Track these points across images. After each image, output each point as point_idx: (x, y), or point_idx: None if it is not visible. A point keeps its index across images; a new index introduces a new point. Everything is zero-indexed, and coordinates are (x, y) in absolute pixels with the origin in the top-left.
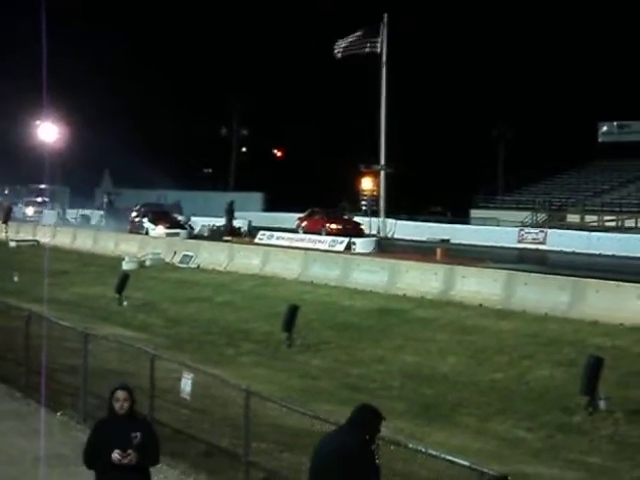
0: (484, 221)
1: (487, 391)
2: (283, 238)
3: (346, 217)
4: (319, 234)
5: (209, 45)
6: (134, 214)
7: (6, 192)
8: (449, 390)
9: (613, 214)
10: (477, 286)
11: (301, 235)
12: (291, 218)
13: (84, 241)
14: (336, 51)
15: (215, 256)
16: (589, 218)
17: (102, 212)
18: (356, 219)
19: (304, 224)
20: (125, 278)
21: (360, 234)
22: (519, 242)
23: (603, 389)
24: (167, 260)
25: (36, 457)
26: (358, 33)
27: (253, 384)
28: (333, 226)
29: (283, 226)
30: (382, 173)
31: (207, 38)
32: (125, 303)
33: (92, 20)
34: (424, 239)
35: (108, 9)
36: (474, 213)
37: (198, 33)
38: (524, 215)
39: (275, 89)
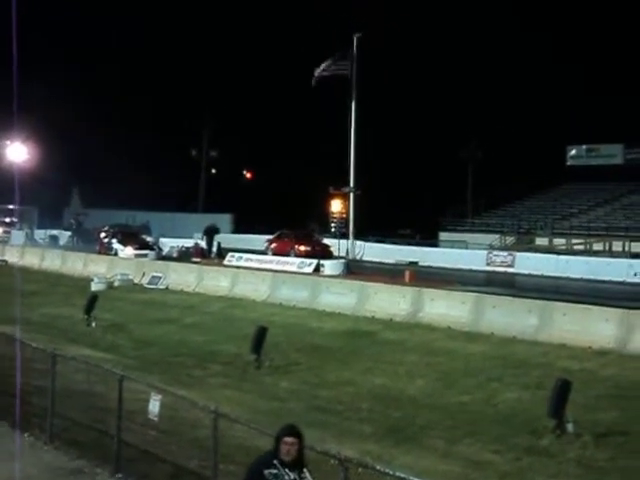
0: (452, 244)
1: (455, 414)
2: (252, 260)
3: (315, 239)
4: (288, 256)
5: (179, 68)
6: (103, 235)
7: None
8: (417, 412)
9: (581, 237)
10: (445, 309)
11: (270, 257)
12: (260, 240)
13: (52, 261)
14: (312, 81)
15: (184, 277)
16: (557, 241)
17: (70, 232)
18: (325, 241)
19: (273, 246)
20: (94, 299)
21: (329, 256)
22: (488, 265)
23: (571, 412)
24: (136, 281)
25: (4, 479)
26: (328, 61)
27: (221, 406)
28: (302, 248)
29: (252, 248)
30: (351, 195)
31: (177, 61)
32: (94, 324)
33: (63, 41)
34: (393, 261)
35: (79, 31)
36: (443, 236)
37: (169, 56)
38: (493, 238)
39: (245, 111)
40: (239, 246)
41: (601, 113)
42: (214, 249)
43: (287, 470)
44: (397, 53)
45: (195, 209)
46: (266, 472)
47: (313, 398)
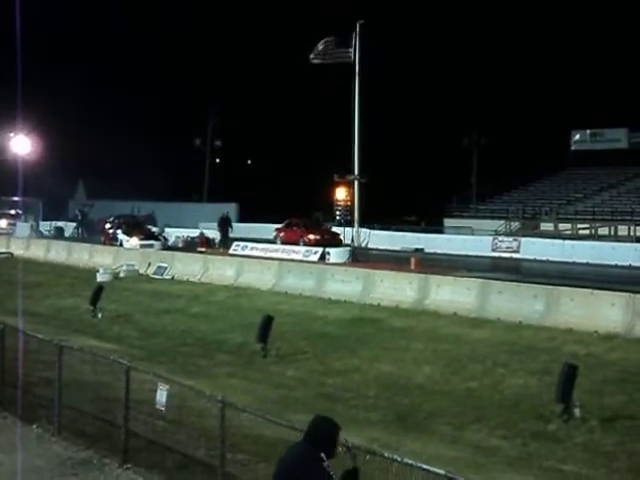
0: (458, 230)
1: (462, 400)
2: (257, 249)
3: (324, 227)
4: (297, 244)
5: (183, 58)
6: (108, 226)
7: None
8: (424, 399)
9: (586, 222)
10: (451, 295)
11: (275, 246)
12: (265, 228)
13: (58, 253)
14: (311, 56)
15: (189, 267)
16: (563, 226)
17: (75, 224)
18: (334, 229)
19: (282, 234)
20: (99, 290)
21: (339, 244)
22: (493, 251)
23: (578, 397)
24: (141, 271)
25: (13, 471)
26: (330, 39)
27: (228, 395)
28: (311, 236)
29: (257, 236)
30: (356, 183)
31: (181, 51)
32: (100, 315)
33: (68, 34)
34: (398, 248)
35: (85, 23)
36: (448, 222)
37: (173, 46)
38: (498, 224)
39: (249, 100)
40: (245, 235)
41: (605, 97)
42: (213, 237)
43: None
44: (400, 39)
45: (200, 199)
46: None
47: (320, 386)
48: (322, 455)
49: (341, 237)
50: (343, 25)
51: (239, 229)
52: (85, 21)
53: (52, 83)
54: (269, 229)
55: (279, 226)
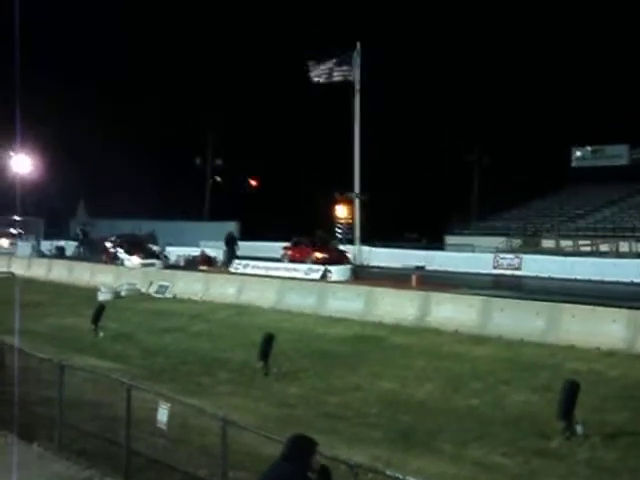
0: (459, 247)
1: (464, 417)
2: (259, 267)
3: (331, 246)
4: (305, 263)
5: (183, 76)
6: (109, 245)
7: None
8: (426, 417)
9: (588, 239)
10: (453, 312)
11: (277, 264)
12: (267, 247)
13: (59, 272)
14: (312, 74)
15: (191, 286)
16: (564, 243)
17: (76, 243)
18: (341, 247)
19: (290, 253)
20: (101, 309)
21: (346, 262)
22: (494, 268)
23: (580, 414)
24: (143, 290)
25: None
26: (332, 60)
27: (230, 413)
28: (319, 255)
29: (259, 255)
30: (357, 200)
31: (181, 70)
32: (101, 334)
33: (67, 53)
34: (399, 266)
35: (85, 41)
36: (449, 239)
37: (173, 65)
38: (499, 241)
39: (249, 118)
40: (247, 254)
41: (606, 114)
42: (215, 255)
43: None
44: (401, 57)
45: (201, 217)
46: None
47: (322, 404)
48: (308, 474)
49: (349, 255)
50: (344, 42)
51: (241, 248)
52: (85, 39)
53: (52, 101)
54: (271, 247)
55: (287, 244)
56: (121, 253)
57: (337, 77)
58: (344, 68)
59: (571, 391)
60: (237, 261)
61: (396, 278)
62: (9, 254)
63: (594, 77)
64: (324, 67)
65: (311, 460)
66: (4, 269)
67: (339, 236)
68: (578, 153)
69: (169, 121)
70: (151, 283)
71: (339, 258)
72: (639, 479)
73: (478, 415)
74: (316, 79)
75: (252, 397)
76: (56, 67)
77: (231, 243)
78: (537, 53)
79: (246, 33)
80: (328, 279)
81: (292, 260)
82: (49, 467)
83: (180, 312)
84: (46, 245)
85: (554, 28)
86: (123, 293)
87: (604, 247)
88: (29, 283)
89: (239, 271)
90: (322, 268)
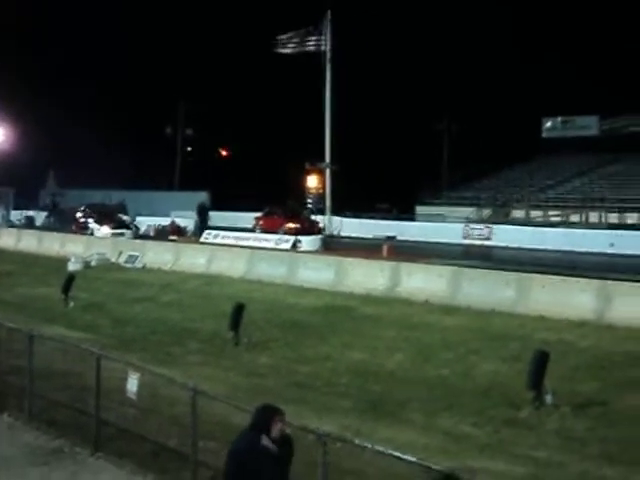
0: (430, 217)
1: (434, 387)
2: (229, 237)
3: (303, 216)
4: (277, 233)
5: (152, 46)
6: (79, 214)
7: None
8: (396, 387)
9: (558, 209)
10: (423, 282)
11: (247, 234)
12: (238, 217)
13: (29, 242)
14: (280, 46)
15: (161, 256)
16: (534, 213)
17: (46, 213)
18: (312, 218)
19: (262, 223)
20: (71, 279)
21: (318, 233)
22: (464, 238)
23: (550, 383)
24: (113, 260)
25: None
26: (303, 30)
27: (200, 383)
28: (292, 225)
29: (230, 225)
30: (327, 171)
31: (150, 39)
32: (71, 304)
33: (38, 25)
34: (370, 236)
35: (54, 12)
36: (420, 209)
37: (141, 34)
38: (469, 211)
39: (219, 88)
40: (218, 223)
41: (576, 84)
42: (185, 225)
43: (276, 446)
44: (369, 26)
45: (171, 187)
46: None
47: (292, 374)
48: (262, 436)
49: (321, 226)
50: (314, 12)
51: (212, 218)
52: (54, 10)
53: (21, 72)
54: (241, 217)
55: (259, 215)
56: (91, 223)
57: (308, 47)
58: (315, 38)
59: (541, 361)
60: (207, 231)
61: (367, 248)
62: None
63: (565, 47)
64: (295, 37)
65: (271, 427)
66: None
67: (310, 206)
68: (548, 124)
69: (139, 90)
70: (121, 253)
71: (311, 228)
72: (608, 449)
73: (448, 385)
74: (287, 50)
75: (222, 367)
76: (25, 37)
77: (203, 213)
78: (508, 21)
79: (217, 1)
80: (298, 249)
81: (264, 230)
82: (19, 437)
83: (150, 282)
84: (16, 215)
85: None
86: (93, 263)
87: (574, 217)
88: None
89: (209, 241)
90: (292, 238)
